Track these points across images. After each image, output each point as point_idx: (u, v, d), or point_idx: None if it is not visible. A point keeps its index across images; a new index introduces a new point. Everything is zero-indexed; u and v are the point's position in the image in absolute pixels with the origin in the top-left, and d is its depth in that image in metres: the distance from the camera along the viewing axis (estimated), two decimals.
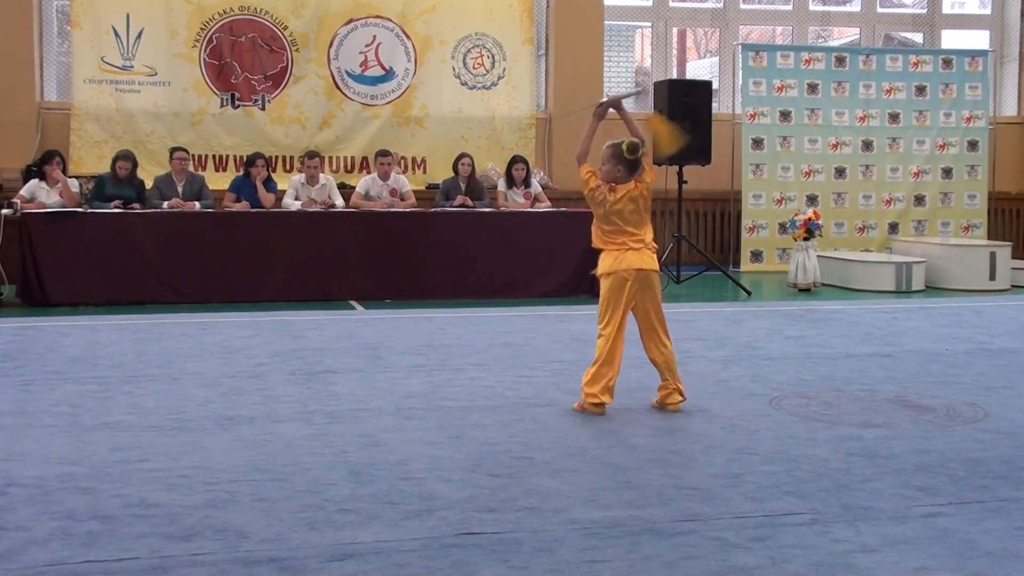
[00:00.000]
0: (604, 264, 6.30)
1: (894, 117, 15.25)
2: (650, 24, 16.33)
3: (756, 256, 14.90)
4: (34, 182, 11.43)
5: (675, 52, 17.10)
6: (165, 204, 11.48)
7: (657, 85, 13.33)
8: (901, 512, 4.36)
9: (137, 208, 11.29)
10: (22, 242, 10.50)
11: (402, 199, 12.21)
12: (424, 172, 14.68)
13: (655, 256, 6.38)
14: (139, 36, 13.91)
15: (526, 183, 12.66)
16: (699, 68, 18.48)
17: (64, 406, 6.20)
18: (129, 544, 3.95)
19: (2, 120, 13.64)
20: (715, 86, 15.52)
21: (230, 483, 4.70)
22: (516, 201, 12.52)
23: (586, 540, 4.04)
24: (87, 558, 3.81)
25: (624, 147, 6.28)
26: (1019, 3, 16.75)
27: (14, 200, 11.05)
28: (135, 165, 11.77)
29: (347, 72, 14.55)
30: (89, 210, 11.04)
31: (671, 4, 16.24)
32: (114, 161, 11.70)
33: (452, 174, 12.74)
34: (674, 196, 12.83)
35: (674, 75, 16.28)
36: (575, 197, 14.22)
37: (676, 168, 12.67)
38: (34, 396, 6.46)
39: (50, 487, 4.62)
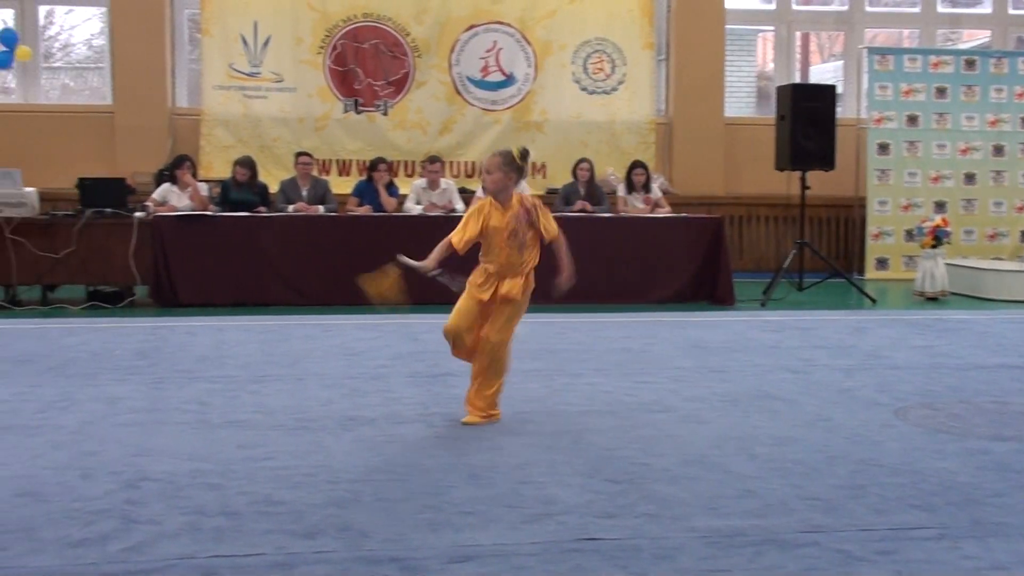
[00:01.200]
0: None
1: None
2: (772, 28, 16.15)
3: (881, 263, 14.63)
4: (166, 186, 11.74)
5: (798, 56, 16.88)
6: (290, 208, 11.70)
7: (779, 90, 13.17)
8: None
9: (263, 211, 11.52)
10: (154, 244, 10.79)
11: None
12: (544, 177, 14.72)
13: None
14: (266, 43, 14.21)
15: (646, 188, 12.61)
16: (823, 72, 18.18)
17: (193, 404, 6.36)
18: (255, 540, 4.04)
19: (136, 126, 14.04)
20: (839, 90, 15.28)
21: (352, 483, 4.77)
22: (636, 206, 12.48)
23: (706, 549, 4.01)
24: (215, 553, 3.91)
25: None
26: None
27: (147, 203, 11.37)
28: (254, 171, 12.01)
29: (468, 78, 14.66)
30: (217, 213, 11.29)
31: (794, 7, 16.04)
32: (234, 167, 11.98)
33: (571, 179, 12.75)
34: (796, 202, 12.67)
35: (797, 79, 16.07)
36: (695, 202, 14.18)
37: (799, 174, 12.51)
38: (165, 394, 6.64)
39: (180, 483, 4.74)
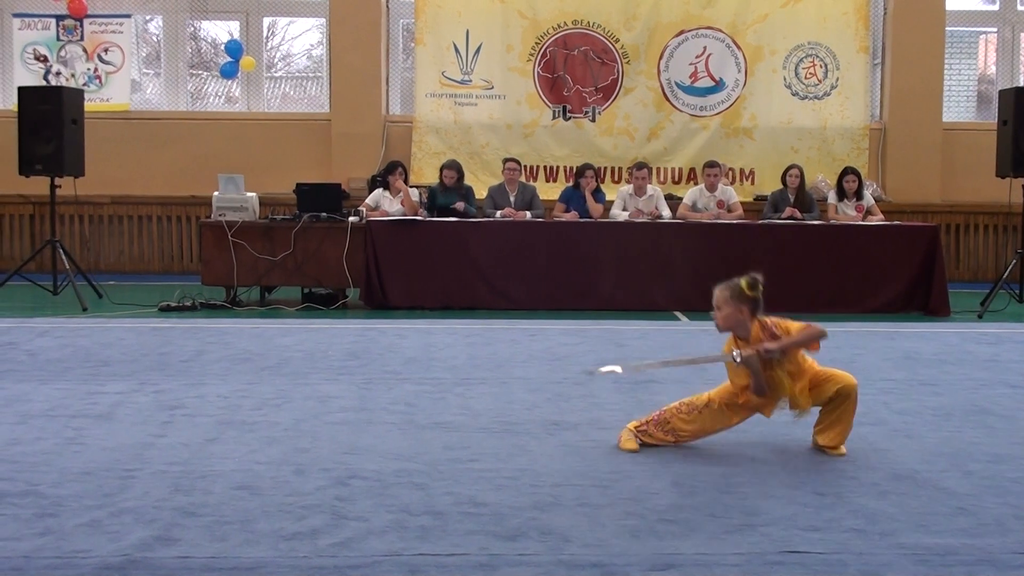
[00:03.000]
0: None
1: None
2: (995, 29, 15.56)
3: None
4: (378, 191, 12.06)
5: (1022, 59, 16.20)
6: (498, 213, 11.86)
7: (1002, 94, 12.66)
8: None
9: (465, 213, 11.73)
10: (366, 248, 11.10)
11: (729, 211, 12.13)
12: (752, 184, 14.54)
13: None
14: (477, 51, 14.46)
15: (858, 195, 12.30)
16: None
17: (401, 405, 6.51)
18: (459, 540, 4.11)
19: (353, 133, 14.49)
20: None
21: (554, 487, 4.81)
22: (847, 214, 12.19)
23: (916, 567, 3.89)
24: (420, 551, 3.99)
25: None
26: None
27: (360, 208, 11.70)
28: (461, 174, 12.21)
29: (676, 83, 14.61)
30: (427, 218, 11.54)
31: (1020, 8, 15.41)
32: (441, 170, 12.21)
33: (780, 186, 12.55)
34: (1018, 210, 12.16)
35: (1021, 83, 15.42)
36: (910, 210, 13.78)
37: (1021, 181, 12.00)
38: (374, 394, 6.82)
39: (387, 481, 4.86)
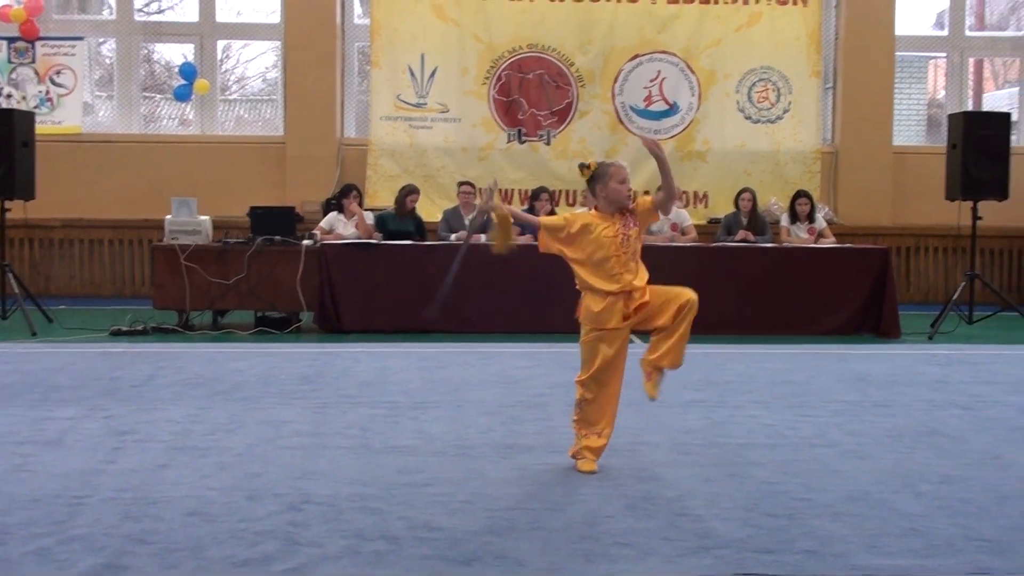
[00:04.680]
0: None
1: None
2: (944, 55, 15.77)
3: None
4: (333, 214, 12.04)
5: (971, 83, 16.42)
6: (452, 236, 11.86)
7: (951, 118, 12.83)
8: None
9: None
10: (320, 271, 11.06)
11: (683, 233, 12.19)
12: (705, 207, 14.64)
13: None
14: (432, 75, 14.48)
15: (810, 218, 12.41)
16: (997, 99, 17.67)
17: (355, 429, 6.48)
18: (413, 565, 4.09)
19: (307, 156, 14.47)
20: (1014, 118, 14.83)
21: (509, 510, 4.80)
22: (799, 237, 12.29)
23: None
24: None
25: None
26: None
27: (314, 231, 11.66)
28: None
29: (631, 107, 14.69)
30: (382, 242, 11.52)
31: (968, 33, 15.64)
32: (404, 195, 12.19)
33: (734, 209, 12.64)
34: (967, 233, 12.31)
35: (969, 107, 15.65)
36: (861, 233, 13.90)
37: (971, 204, 12.15)
38: (328, 418, 6.78)
39: (341, 506, 4.83)
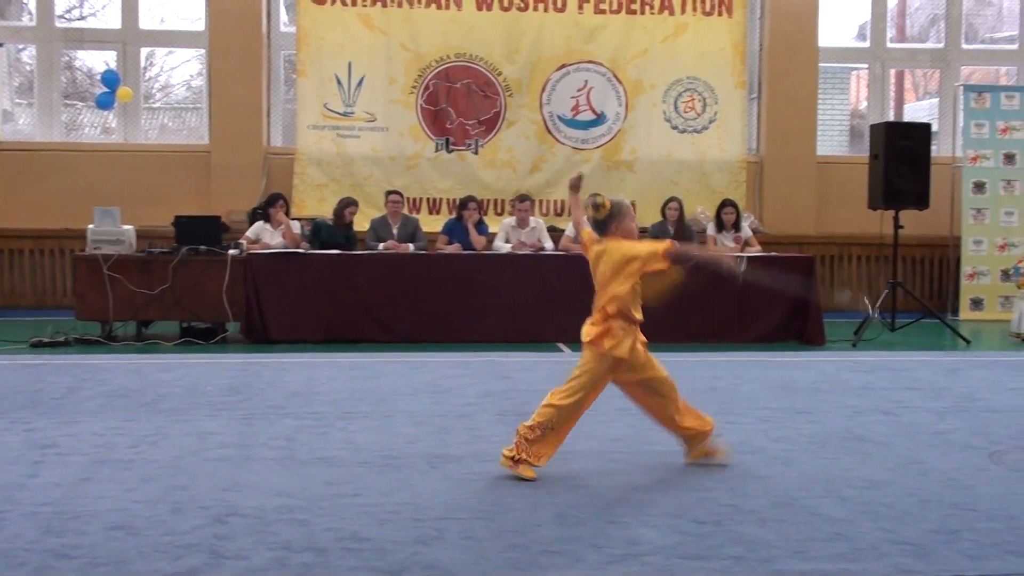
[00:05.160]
0: None
1: None
2: (866, 66, 16.01)
3: (976, 304, 14.36)
4: (259, 224, 11.95)
5: (892, 94, 16.69)
6: (380, 245, 11.83)
7: (873, 128, 13.03)
8: None
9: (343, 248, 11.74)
10: (247, 281, 10.97)
11: None
12: None
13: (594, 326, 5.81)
14: (360, 83, 14.42)
15: (736, 227, 12.54)
16: (917, 110, 17.96)
17: (282, 440, 6.43)
18: None
19: (232, 165, 14.33)
20: (934, 128, 15.10)
21: (438, 520, 4.78)
22: (726, 245, 12.41)
23: None
24: None
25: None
26: None
27: (240, 241, 11.56)
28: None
29: (559, 116, 14.74)
30: (309, 251, 11.45)
31: (889, 45, 15.89)
32: (343, 207, 12.13)
33: (661, 218, 12.72)
34: (890, 242, 12.49)
35: (891, 117, 15.90)
36: (786, 242, 14.05)
37: (892, 213, 12.34)
38: (255, 429, 6.72)
39: (268, 518, 4.79)
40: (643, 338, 5.86)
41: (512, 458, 5.56)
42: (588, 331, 5.74)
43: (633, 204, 14.68)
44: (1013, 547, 4.47)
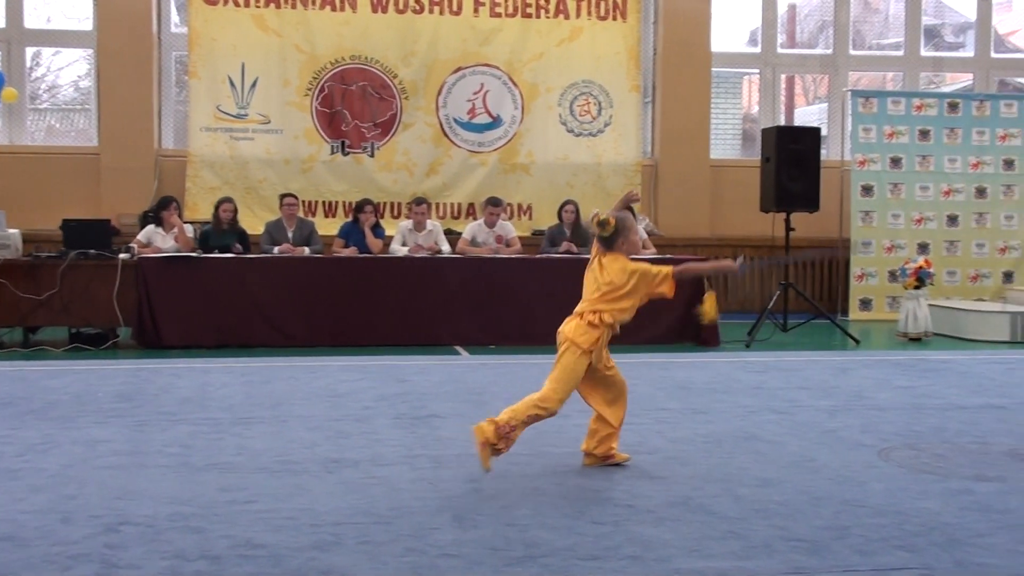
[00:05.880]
0: None
1: (1009, 164, 14.94)
2: (758, 71, 16.27)
3: (865, 304, 14.66)
4: (150, 227, 11.74)
5: (783, 98, 16.98)
6: (275, 249, 11.70)
7: (765, 132, 13.25)
8: (1017, 569, 4.25)
9: (239, 248, 11.57)
10: (138, 285, 10.77)
11: (508, 245, 12.27)
12: (530, 219, 14.77)
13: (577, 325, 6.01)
14: (253, 85, 14.26)
15: None
16: (807, 114, 18.30)
17: (176, 447, 6.32)
18: None
19: (122, 167, 14.07)
20: (824, 132, 15.40)
21: (335, 526, 4.74)
22: None
23: None
24: None
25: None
26: None
27: (131, 245, 11.35)
28: (236, 210, 12.05)
29: (455, 119, 14.73)
30: (203, 255, 11.28)
31: (779, 51, 16.17)
32: (217, 206, 11.99)
33: (557, 221, 12.78)
34: (781, 244, 12.70)
35: (782, 121, 16.17)
36: (681, 244, 14.21)
37: (784, 215, 12.56)
38: (147, 436, 6.60)
39: (161, 526, 4.71)
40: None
41: (493, 445, 5.56)
42: (585, 333, 5.91)
43: (529, 207, 14.91)
44: (900, 542, 4.56)
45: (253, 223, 13.06)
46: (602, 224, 5.88)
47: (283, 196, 12.37)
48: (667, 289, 5.97)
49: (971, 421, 7.34)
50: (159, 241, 11.55)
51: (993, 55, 16.61)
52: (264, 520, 4.81)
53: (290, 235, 11.99)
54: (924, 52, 16.56)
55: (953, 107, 14.90)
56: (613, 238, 5.91)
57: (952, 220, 14.84)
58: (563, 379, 5.80)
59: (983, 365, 10.17)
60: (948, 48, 17.99)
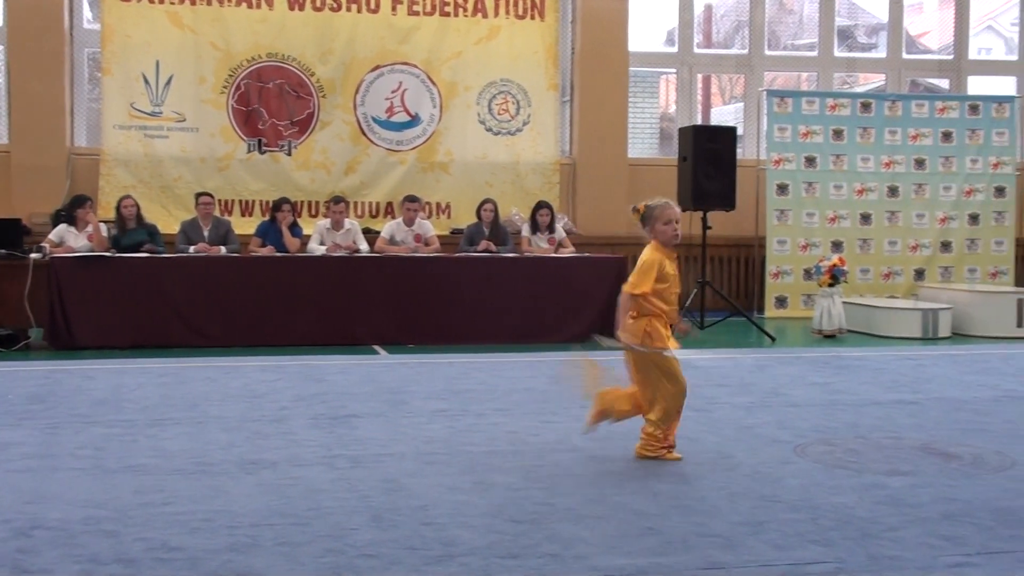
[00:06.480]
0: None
1: (920, 163, 15.23)
2: (675, 70, 16.41)
3: (781, 302, 14.85)
4: (63, 226, 11.54)
5: (700, 98, 17.15)
6: (191, 248, 11.57)
7: (681, 131, 13.37)
8: (928, 562, 4.32)
9: (148, 244, 11.42)
10: (50, 286, 10.59)
11: (426, 244, 12.25)
12: (448, 217, 14.75)
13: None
14: (168, 83, 14.08)
15: (550, 228, 12.68)
16: (724, 114, 18.51)
17: (89, 449, 6.22)
18: None
19: (34, 166, 13.81)
20: (740, 132, 15.56)
21: (252, 527, 4.70)
22: (540, 246, 12.55)
23: None
24: None
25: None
26: None
27: (43, 244, 11.16)
28: (137, 206, 11.87)
29: (373, 118, 14.66)
30: (116, 254, 11.12)
31: (696, 51, 16.32)
32: (118, 206, 11.83)
33: (476, 220, 12.78)
34: (698, 242, 12.83)
35: (699, 121, 16.32)
36: (598, 242, 14.27)
37: (700, 214, 12.68)
38: (60, 439, 6.49)
39: (74, 530, 4.63)
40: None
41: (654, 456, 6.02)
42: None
43: (448, 206, 14.88)
44: (815, 536, 4.63)
45: (168, 222, 12.91)
46: (634, 211, 6.33)
47: (199, 195, 12.23)
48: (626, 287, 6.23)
49: (884, 416, 7.47)
50: (72, 240, 11.36)
51: (905, 56, 16.92)
52: (180, 522, 4.75)
53: (206, 234, 11.86)
54: (838, 53, 16.82)
55: (866, 107, 15.15)
56: (643, 226, 6.29)
57: (865, 219, 15.09)
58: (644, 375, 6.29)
59: (896, 361, 10.35)
60: (861, 49, 18.31)
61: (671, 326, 6.23)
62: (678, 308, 6.29)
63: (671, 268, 6.19)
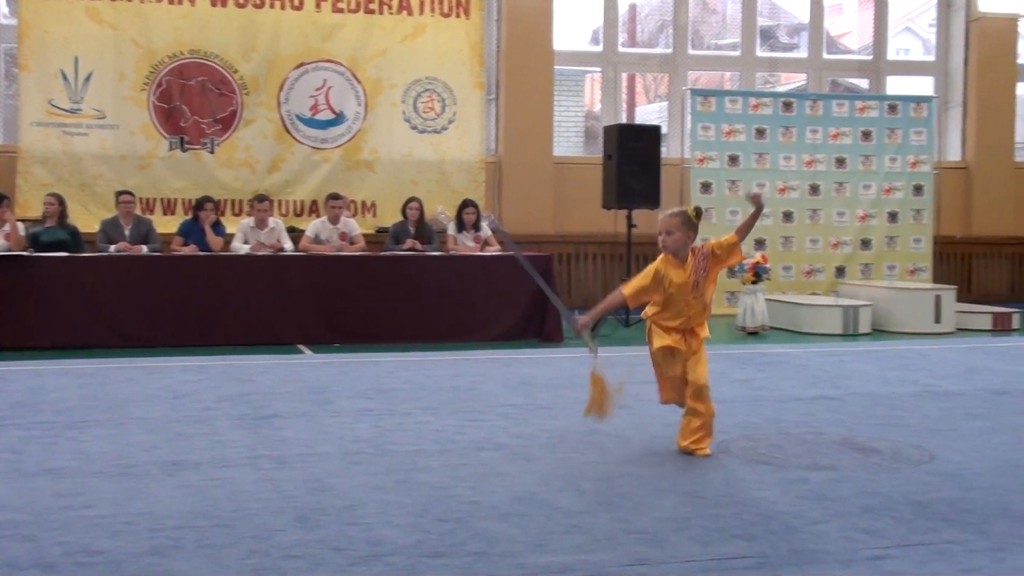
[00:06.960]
0: None
1: (840, 162, 15.44)
2: (600, 69, 16.48)
3: None
4: None
5: (624, 97, 17.25)
6: (112, 247, 11.40)
7: (606, 130, 13.43)
8: (848, 555, 4.38)
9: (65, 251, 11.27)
10: None
11: (351, 243, 12.19)
12: (374, 216, 14.69)
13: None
14: (87, 79, 13.86)
15: (476, 227, 12.68)
16: (648, 113, 18.66)
17: (6, 452, 6.11)
18: None
19: None
20: (664, 131, 15.67)
21: (175, 529, 4.64)
22: (466, 245, 12.54)
23: None
24: None
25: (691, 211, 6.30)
26: (962, 50, 17.07)
27: None
28: (63, 206, 11.71)
29: (297, 116, 14.56)
30: (34, 254, 10.93)
31: (620, 50, 16.40)
32: (44, 203, 11.68)
33: (401, 218, 12.75)
34: (623, 240, 12.89)
35: (623, 120, 16.41)
36: (525, 241, 14.29)
37: (626, 212, 12.75)
38: None
39: None
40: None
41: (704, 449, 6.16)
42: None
43: (373, 204, 14.82)
44: (738, 531, 4.67)
45: (88, 221, 12.72)
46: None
47: (119, 193, 12.06)
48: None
49: (806, 412, 7.56)
50: None
51: (825, 56, 17.14)
52: (101, 526, 4.68)
53: (127, 233, 11.70)
54: (760, 53, 17.00)
55: (788, 106, 15.32)
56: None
57: (787, 217, 15.26)
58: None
59: (817, 357, 10.48)
60: (783, 49, 18.53)
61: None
62: (691, 315, 6.27)
63: (677, 277, 6.19)
